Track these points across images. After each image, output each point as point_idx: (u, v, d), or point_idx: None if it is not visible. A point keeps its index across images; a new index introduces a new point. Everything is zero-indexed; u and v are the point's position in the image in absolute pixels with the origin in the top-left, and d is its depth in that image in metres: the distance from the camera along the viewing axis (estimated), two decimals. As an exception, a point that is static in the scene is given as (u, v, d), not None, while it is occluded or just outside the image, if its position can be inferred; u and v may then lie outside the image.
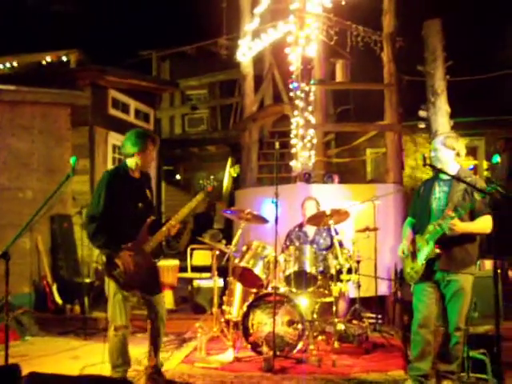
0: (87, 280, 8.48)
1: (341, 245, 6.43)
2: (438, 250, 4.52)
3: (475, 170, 12.63)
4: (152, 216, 4.84)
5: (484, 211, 4.48)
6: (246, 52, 10.32)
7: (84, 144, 9.90)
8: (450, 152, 4.65)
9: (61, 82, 9.48)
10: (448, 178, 4.65)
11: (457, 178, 4.47)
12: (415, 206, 4.95)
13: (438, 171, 4.51)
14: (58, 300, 8.04)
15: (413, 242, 4.76)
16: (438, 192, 4.68)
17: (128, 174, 4.81)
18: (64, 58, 10.17)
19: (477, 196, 4.32)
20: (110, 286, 4.68)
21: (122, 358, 4.69)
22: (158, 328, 4.89)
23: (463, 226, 4.45)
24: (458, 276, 4.53)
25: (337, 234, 6.40)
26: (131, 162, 4.81)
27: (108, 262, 4.62)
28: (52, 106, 9.24)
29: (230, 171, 13.44)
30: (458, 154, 4.65)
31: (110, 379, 2.53)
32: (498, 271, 3.75)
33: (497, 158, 11.48)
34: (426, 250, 4.59)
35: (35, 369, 3.15)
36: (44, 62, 10.02)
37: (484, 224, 4.47)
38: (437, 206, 4.64)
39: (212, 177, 5.06)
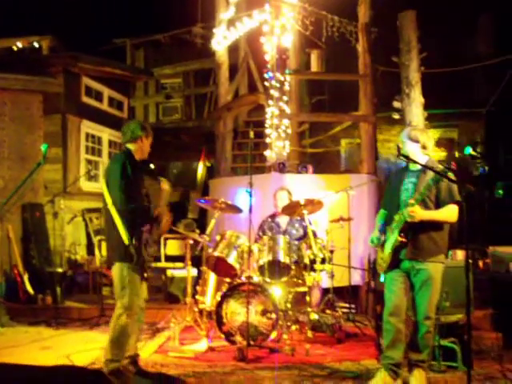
0: (59, 270, 8.38)
1: (314, 235, 6.44)
2: (400, 239, 4.55)
3: (448, 161, 12.77)
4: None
5: (449, 200, 4.53)
6: (220, 41, 10.27)
7: (56, 132, 9.78)
8: (414, 144, 4.69)
9: (33, 68, 9.32)
10: (417, 169, 4.70)
11: (425, 167, 4.49)
12: (386, 197, 4.99)
13: (411, 161, 4.53)
14: (30, 290, 7.94)
15: (384, 232, 4.80)
16: (407, 183, 4.73)
17: (135, 158, 4.83)
18: (36, 44, 10.00)
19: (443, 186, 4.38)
20: (125, 273, 4.57)
21: (123, 350, 4.64)
22: (140, 316, 4.86)
23: (423, 214, 4.48)
24: (427, 265, 4.56)
25: (310, 224, 6.41)
26: (135, 147, 4.83)
27: (139, 245, 4.56)
28: (23, 92, 9.09)
29: (203, 162, 13.42)
30: (423, 147, 4.67)
31: (82, 369, 2.50)
32: (470, 261, 3.79)
33: (469, 150, 11.60)
34: (391, 239, 4.64)
35: (5, 359, 3.11)
36: (15, 48, 9.83)
37: (448, 213, 4.53)
38: (405, 197, 4.67)
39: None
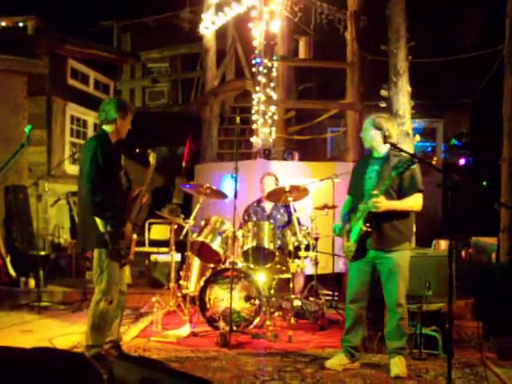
0: (42, 253, 8.33)
1: (299, 222, 6.45)
2: (365, 228, 4.58)
3: (433, 151, 12.82)
4: (130, 187, 4.82)
5: (412, 189, 4.57)
6: (208, 25, 10.20)
7: (41, 114, 9.67)
8: (377, 132, 4.69)
9: (17, 49, 9.17)
10: (380, 156, 4.73)
11: (414, 156, 4.52)
12: (352, 184, 5.00)
13: (397, 150, 4.53)
14: (12, 273, 7.88)
15: (349, 220, 4.83)
16: (371, 171, 4.75)
17: (110, 140, 4.69)
18: (21, 24, 9.85)
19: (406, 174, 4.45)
20: (103, 258, 4.52)
21: (103, 335, 4.62)
22: (121, 301, 4.84)
23: (387, 204, 4.51)
24: (392, 254, 4.60)
25: (295, 211, 6.41)
26: (111, 128, 4.69)
27: (113, 233, 4.48)
28: (7, 73, 8.96)
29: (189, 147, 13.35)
30: (387, 135, 4.66)
31: (64, 351, 2.49)
32: (453, 251, 3.81)
33: (454, 141, 11.67)
34: (356, 229, 4.67)
35: (-14, 341, 3.09)
36: (-4, 27, 9.70)
37: (412, 202, 4.58)
38: (369, 185, 4.69)
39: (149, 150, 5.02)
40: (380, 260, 4.65)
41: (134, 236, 4.78)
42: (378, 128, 4.68)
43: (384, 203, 4.50)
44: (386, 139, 4.62)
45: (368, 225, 4.57)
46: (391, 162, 4.57)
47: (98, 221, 4.46)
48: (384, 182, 4.50)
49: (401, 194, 4.60)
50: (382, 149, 4.73)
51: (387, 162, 4.63)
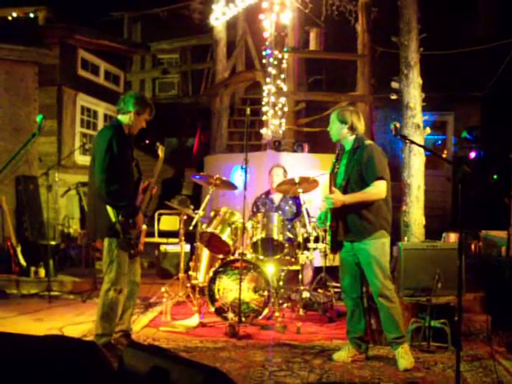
0: (53, 243, 8.37)
1: (308, 214, 6.44)
2: (329, 227, 4.67)
3: (443, 144, 12.75)
4: (140, 178, 4.84)
5: (371, 178, 4.52)
6: (219, 17, 10.18)
7: (52, 104, 9.71)
8: (342, 125, 4.69)
9: (28, 39, 9.19)
10: (348, 149, 4.73)
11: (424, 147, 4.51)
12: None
13: (408, 141, 4.52)
14: (23, 262, 7.93)
15: None
16: (341, 166, 4.77)
17: (124, 130, 4.73)
18: (31, 15, 9.86)
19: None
20: (113, 247, 4.55)
21: (112, 324, 4.65)
22: (135, 291, 4.87)
23: (344, 198, 4.53)
24: (365, 244, 4.59)
25: (304, 202, 6.40)
26: (125, 119, 4.72)
27: (125, 223, 4.51)
28: (18, 63, 8.99)
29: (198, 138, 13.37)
30: (351, 128, 4.67)
31: (74, 340, 2.50)
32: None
33: (465, 134, 11.60)
34: (327, 223, 4.73)
35: (-3, 329, 3.11)
36: (10, 18, 9.70)
37: (372, 191, 4.53)
38: (339, 179, 4.71)
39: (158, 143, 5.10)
40: (357, 251, 4.67)
41: (144, 227, 4.80)
42: (343, 121, 4.69)
43: (339, 198, 4.51)
44: (352, 131, 4.66)
45: (334, 222, 4.62)
46: (356, 154, 4.60)
47: (110, 210, 4.48)
48: (348, 173, 4.57)
49: (364, 184, 4.58)
50: (349, 142, 4.72)
51: (353, 155, 4.64)
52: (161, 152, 5.01)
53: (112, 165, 4.45)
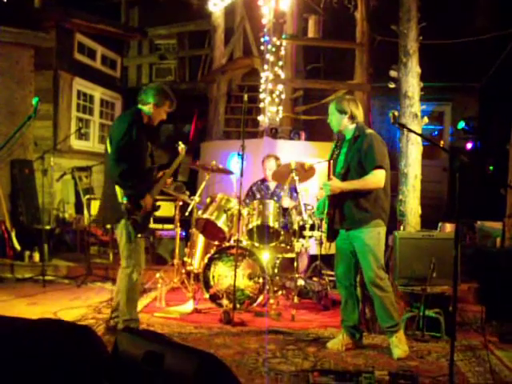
0: (47, 227, 8.35)
1: (304, 201, 6.42)
2: (326, 215, 4.66)
3: (440, 135, 12.74)
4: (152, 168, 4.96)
5: (370, 166, 4.51)
6: (217, 2, 10.12)
7: (48, 88, 9.64)
8: (342, 115, 4.69)
9: (24, 22, 9.10)
10: (348, 138, 4.72)
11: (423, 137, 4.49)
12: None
13: (407, 130, 4.51)
14: (17, 246, 7.90)
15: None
16: (342, 154, 4.76)
17: (143, 119, 4.79)
18: (27, -3, 9.79)
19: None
20: (129, 230, 4.61)
21: (137, 307, 4.78)
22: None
23: (342, 185, 4.53)
24: (360, 233, 4.59)
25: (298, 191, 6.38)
26: (145, 109, 4.79)
27: (133, 203, 4.57)
28: (14, 46, 8.91)
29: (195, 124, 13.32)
30: (351, 117, 4.66)
31: (69, 323, 2.49)
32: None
33: (462, 124, 11.59)
34: (324, 212, 4.71)
35: (-9, 313, 3.10)
36: (5, 0, 9.61)
37: (370, 180, 4.51)
38: (339, 168, 4.71)
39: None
40: (352, 239, 4.66)
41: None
42: (343, 112, 4.68)
43: (338, 185, 4.52)
44: (352, 120, 4.66)
45: (331, 210, 4.61)
46: (357, 143, 4.59)
47: (118, 190, 4.55)
48: (347, 161, 4.56)
49: (363, 172, 4.57)
50: (350, 131, 4.71)
51: (353, 144, 4.64)
52: (182, 150, 5.26)
53: (127, 147, 4.52)
